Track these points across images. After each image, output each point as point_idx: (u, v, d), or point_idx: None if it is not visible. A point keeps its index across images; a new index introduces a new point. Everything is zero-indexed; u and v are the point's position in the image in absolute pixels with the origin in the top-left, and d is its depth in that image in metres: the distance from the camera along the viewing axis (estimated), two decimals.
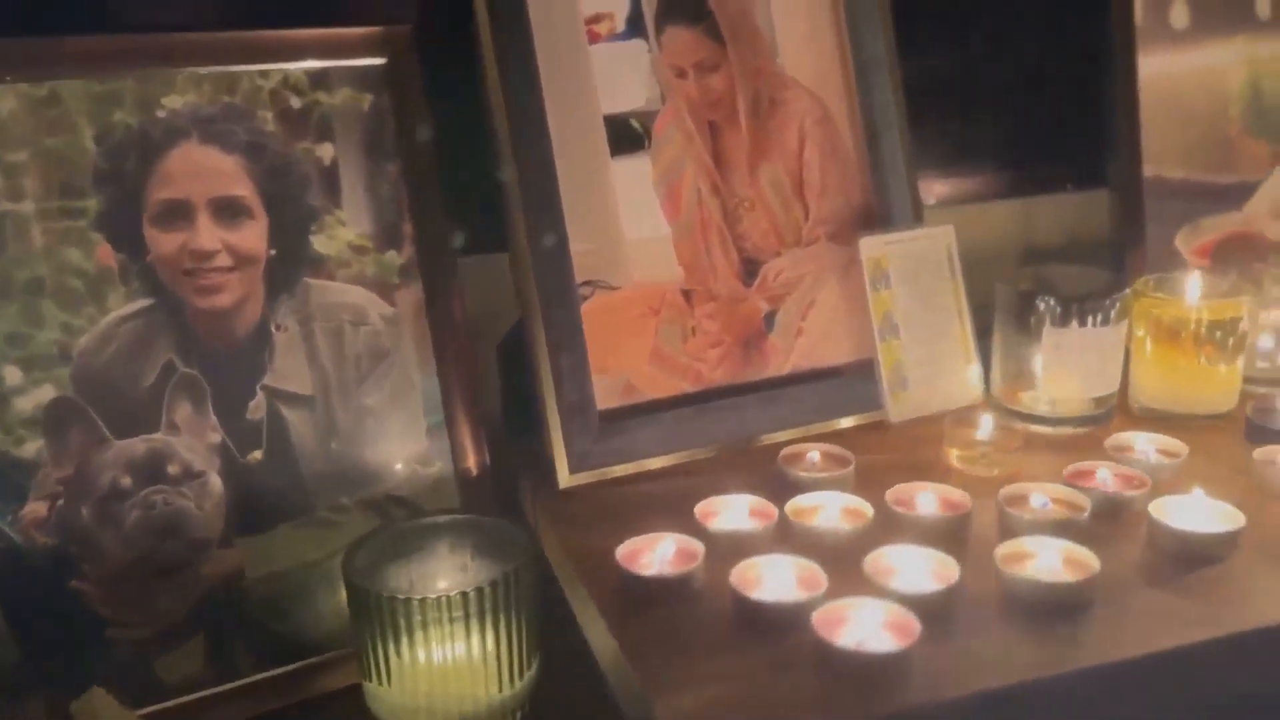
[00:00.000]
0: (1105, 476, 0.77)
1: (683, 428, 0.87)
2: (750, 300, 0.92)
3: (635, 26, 0.89)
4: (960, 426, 0.86)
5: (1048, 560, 0.66)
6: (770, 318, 0.92)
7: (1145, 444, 0.83)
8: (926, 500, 0.75)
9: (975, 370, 0.96)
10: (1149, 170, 1.05)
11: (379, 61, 0.86)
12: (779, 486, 0.80)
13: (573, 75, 0.86)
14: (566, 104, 0.85)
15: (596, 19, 0.87)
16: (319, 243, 0.84)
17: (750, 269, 0.92)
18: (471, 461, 0.88)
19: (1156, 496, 0.74)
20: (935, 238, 0.95)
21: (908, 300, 0.93)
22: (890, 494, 0.75)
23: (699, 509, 0.75)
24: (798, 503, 0.75)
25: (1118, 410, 0.93)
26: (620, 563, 0.68)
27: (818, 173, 0.94)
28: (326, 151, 0.85)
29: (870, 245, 0.92)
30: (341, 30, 0.86)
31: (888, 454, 0.88)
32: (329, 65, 0.85)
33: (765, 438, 0.89)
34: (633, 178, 0.88)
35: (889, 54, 0.95)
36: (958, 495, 0.75)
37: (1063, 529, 0.71)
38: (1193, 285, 0.92)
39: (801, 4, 0.94)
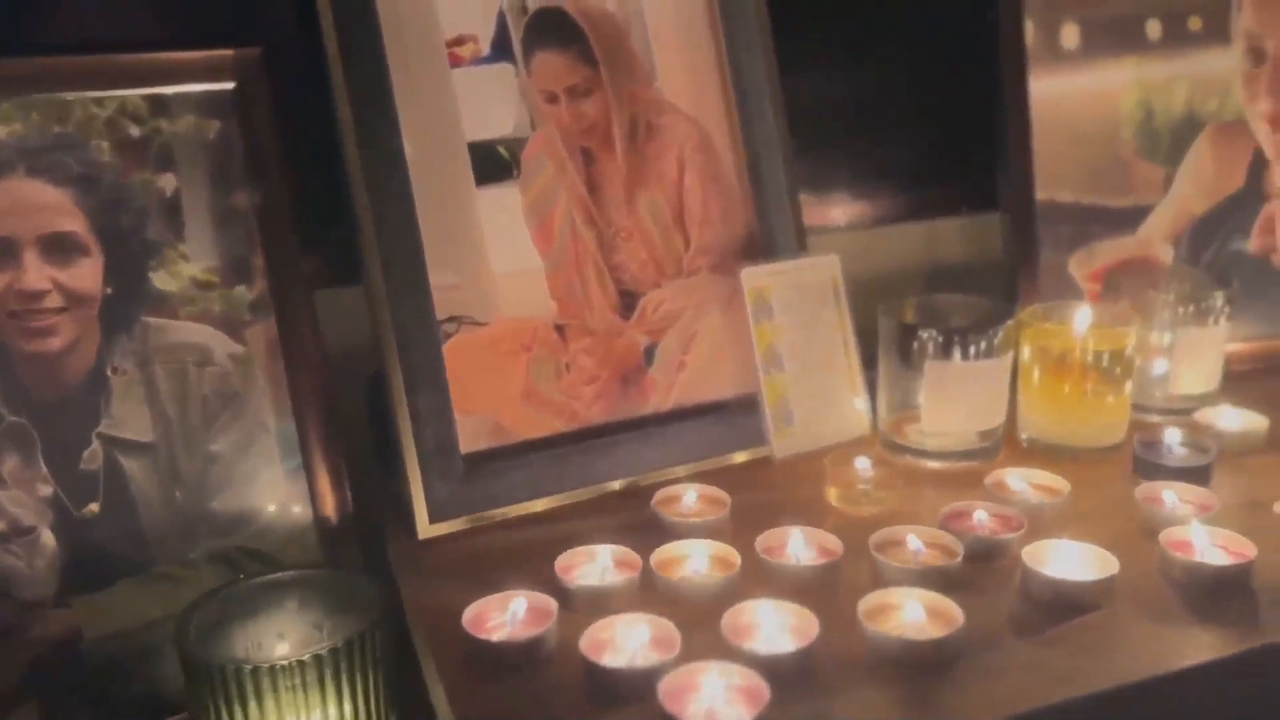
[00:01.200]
0: (982, 518, 0.75)
1: (556, 469, 0.83)
2: (629, 334, 0.88)
3: (502, 50, 0.85)
4: (841, 464, 0.83)
5: (912, 613, 0.63)
6: (650, 352, 0.89)
7: (1025, 482, 0.81)
8: (797, 547, 0.72)
9: (863, 403, 0.93)
10: (1042, 194, 1.04)
11: (226, 86, 0.81)
12: (652, 532, 0.76)
13: (433, 101, 0.82)
14: (426, 131, 0.81)
15: (459, 42, 0.83)
16: (159, 279, 0.79)
17: (628, 301, 0.88)
18: (331, 509, 0.83)
19: (1034, 538, 0.71)
20: (820, 267, 0.92)
21: (792, 332, 0.90)
22: (760, 540, 0.72)
23: (560, 562, 0.71)
24: (664, 552, 0.71)
25: (1006, 443, 0.91)
26: (465, 626, 0.64)
27: (699, 201, 0.91)
28: (168, 182, 0.80)
29: (752, 276, 0.89)
30: (185, 54, 0.81)
31: (770, 492, 0.85)
32: (171, 91, 0.80)
33: (646, 477, 0.85)
34: (501, 208, 0.84)
35: (770, 80, 0.92)
36: (831, 541, 0.72)
37: (934, 577, 0.68)
38: (1079, 315, 0.90)
39: (679, 29, 0.91)
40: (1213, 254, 1.06)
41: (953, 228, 1.19)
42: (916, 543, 0.72)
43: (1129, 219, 1.05)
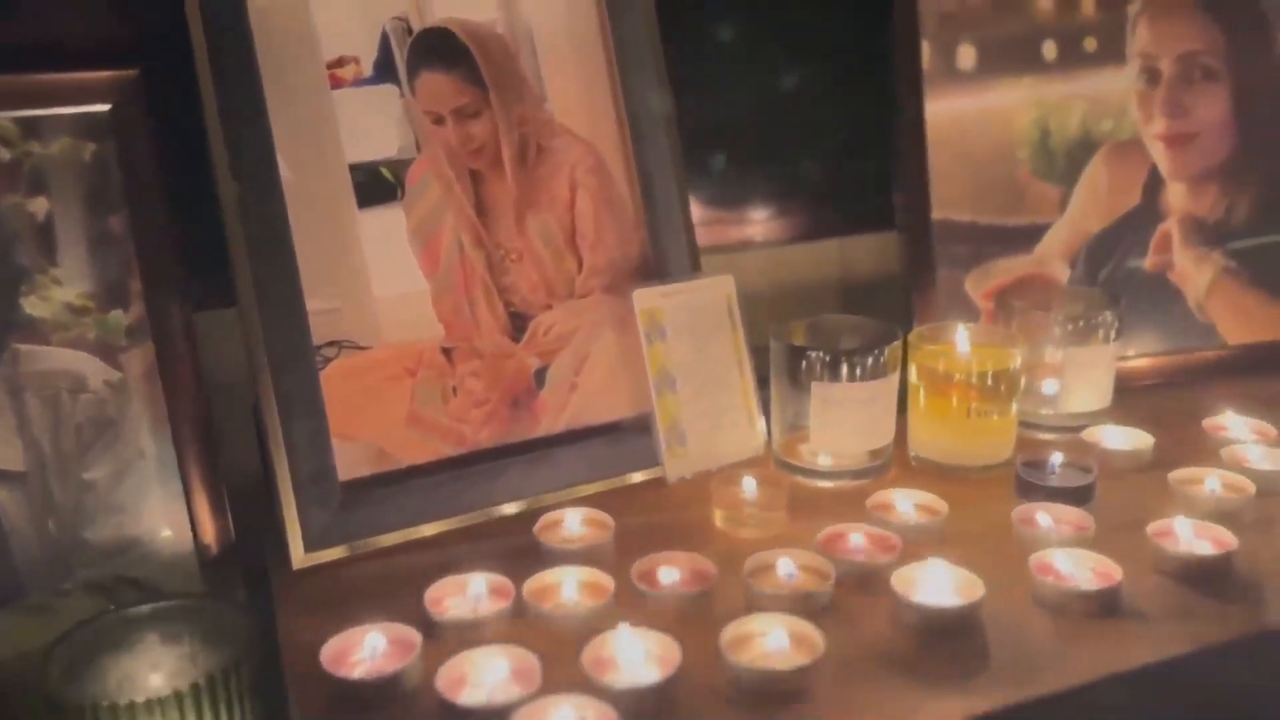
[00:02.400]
0: (858, 541, 0.75)
1: (443, 495, 0.82)
2: (519, 356, 0.87)
3: (385, 71, 0.84)
4: (726, 486, 0.83)
5: (775, 641, 0.64)
6: (541, 374, 0.88)
7: (906, 502, 0.81)
8: (672, 572, 0.72)
9: (758, 423, 0.93)
10: (937, 213, 1.05)
11: (102, 108, 0.80)
12: (534, 559, 0.76)
13: (312, 122, 0.81)
14: (304, 153, 0.80)
15: (340, 63, 0.82)
16: (31, 305, 0.77)
17: (519, 323, 0.88)
18: (212, 536, 0.82)
19: (910, 561, 0.72)
20: (714, 288, 0.93)
21: (686, 353, 0.90)
22: (636, 566, 0.72)
23: (431, 592, 0.70)
24: (537, 580, 0.71)
25: (897, 462, 0.92)
26: (324, 663, 0.63)
27: (591, 223, 0.91)
28: (40, 205, 0.78)
29: (644, 297, 0.89)
30: (58, 76, 0.79)
31: (659, 515, 0.85)
32: (44, 113, 0.78)
33: (538, 501, 0.85)
34: (384, 230, 0.83)
35: (662, 101, 0.92)
36: (708, 566, 0.72)
37: (805, 602, 0.68)
38: (962, 335, 0.91)
39: (570, 51, 0.91)
40: (1109, 272, 1.08)
41: (864, 245, 1.20)
42: (789, 567, 0.72)
43: (1025, 238, 1.07)
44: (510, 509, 0.84)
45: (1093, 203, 1.08)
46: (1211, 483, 0.82)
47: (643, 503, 0.86)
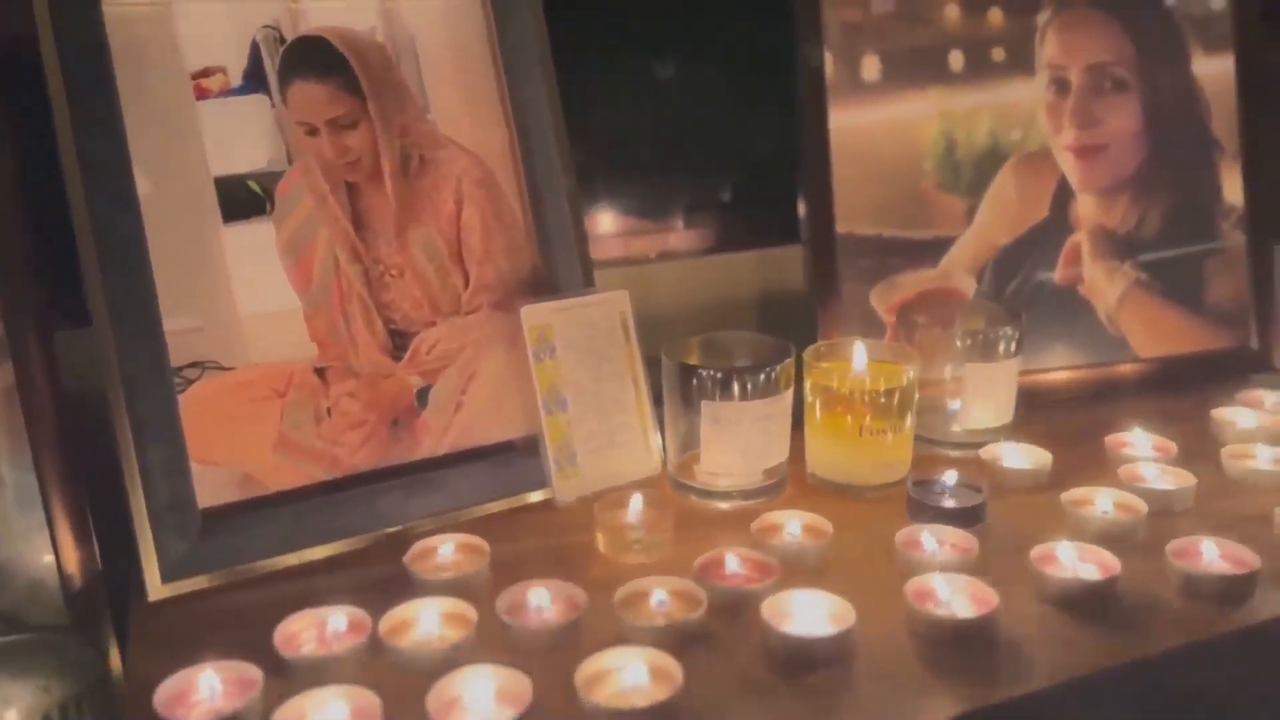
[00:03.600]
0: (735, 566, 0.73)
1: (314, 521, 0.79)
2: (399, 376, 0.84)
3: (255, 81, 0.81)
4: (610, 509, 0.80)
5: (633, 676, 0.61)
6: (424, 394, 0.85)
7: (794, 524, 0.79)
8: (541, 603, 0.69)
9: (654, 441, 0.91)
10: (842, 226, 1.03)
11: None
12: (404, 588, 0.73)
13: (174, 135, 0.77)
14: (165, 167, 0.77)
15: (206, 73, 0.79)
16: None
17: (400, 341, 0.85)
18: (76, 565, 0.78)
19: (787, 586, 0.70)
20: (608, 303, 0.90)
21: (577, 370, 0.88)
22: (504, 597, 0.69)
23: (286, 627, 0.67)
24: (397, 614, 0.68)
25: (795, 481, 0.90)
26: (157, 704, 0.60)
27: (479, 236, 0.88)
28: None
29: (533, 313, 0.86)
30: None
31: (542, 540, 0.82)
32: None
33: (421, 526, 0.82)
34: (252, 245, 0.80)
35: (552, 113, 0.90)
36: (578, 595, 0.70)
37: (674, 633, 0.66)
38: (858, 351, 0.89)
39: (455, 60, 0.88)
40: (1017, 285, 1.07)
41: (784, 257, 1.18)
42: (661, 595, 0.69)
43: (931, 251, 1.05)
44: (386, 536, 0.81)
45: (1000, 215, 1.06)
46: (1103, 503, 0.81)
47: (529, 527, 0.84)
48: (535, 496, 0.86)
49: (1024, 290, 1.07)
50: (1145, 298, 1.09)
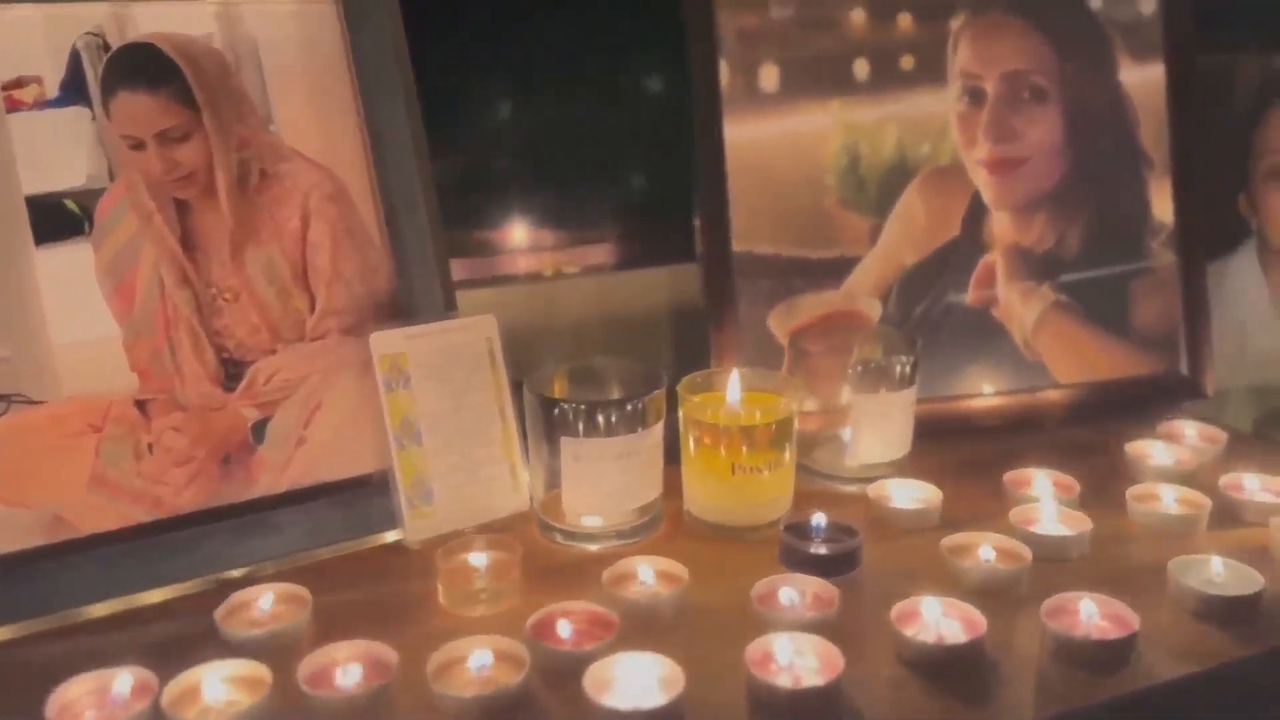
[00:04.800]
0: (567, 625, 0.67)
1: (129, 567, 0.73)
2: (232, 408, 0.79)
3: (74, 92, 0.75)
4: (452, 555, 0.74)
5: None
6: (261, 427, 0.79)
7: (649, 571, 0.73)
8: (346, 668, 0.63)
9: (523, 476, 0.85)
10: (739, 245, 0.97)
11: None
12: (213, 645, 0.67)
13: None
14: None
15: (19, 84, 0.73)
16: None
17: (233, 371, 0.79)
18: None
19: (627, 646, 0.64)
20: (472, 329, 0.84)
21: (435, 401, 0.82)
22: (308, 662, 0.63)
23: (68, 689, 0.61)
24: (187, 678, 0.62)
25: (672, 520, 0.84)
26: None
27: (328, 256, 0.82)
28: None
29: (383, 341, 0.80)
30: None
31: (385, 587, 0.76)
32: None
33: (261, 569, 0.76)
34: (67, 269, 0.74)
35: (412, 125, 0.84)
36: (388, 656, 0.64)
37: (489, 704, 0.60)
38: (734, 383, 0.83)
39: (303, 68, 0.82)
40: (925, 308, 1.00)
41: (691, 274, 1.13)
42: (482, 659, 0.63)
43: (833, 271, 0.99)
44: (217, 582, 0.75)
45: (907, 234, 1.00)
46: (985, 550, 0.75)
47: (375, 572, 0.78)
48: (380, 539, 0.81)
49: (933, 313, 1.00)
50: (1065, 321, 1.03)
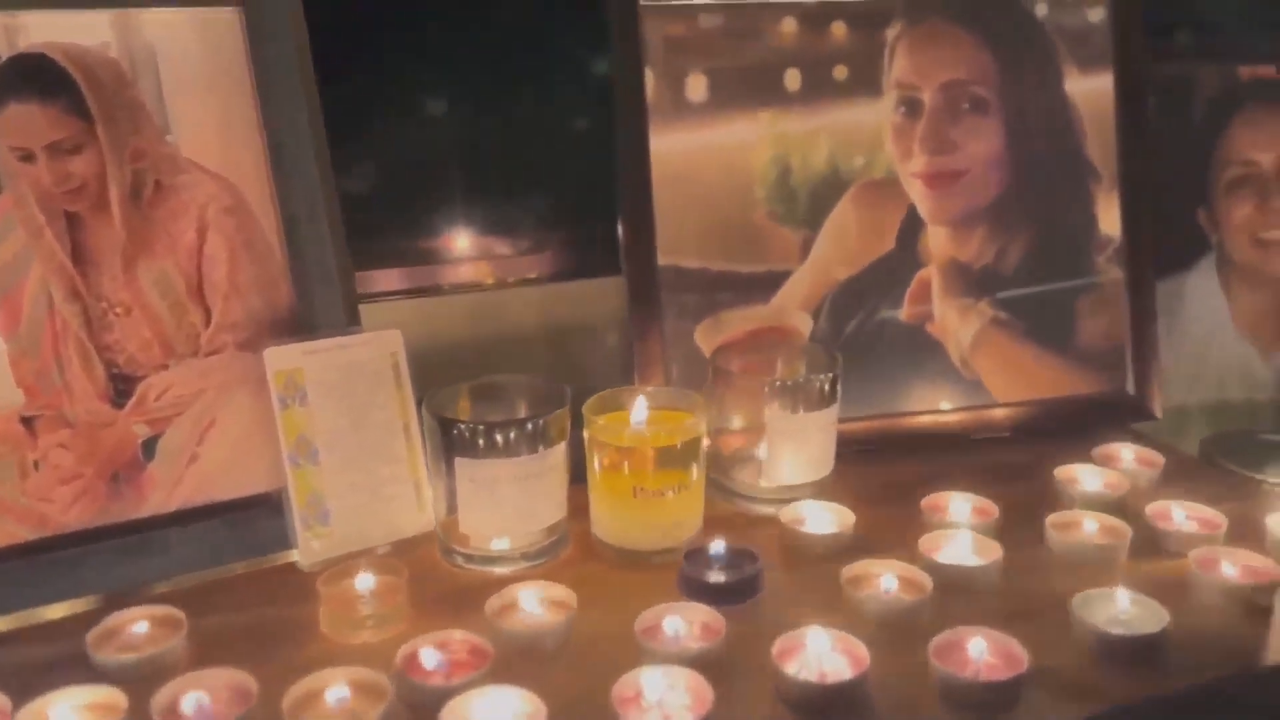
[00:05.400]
0: (436, 657, 0.65)
1: (13, 586, 0.72)
2: (121, 424, 0.77)
3: None
4: (335, 580, 0.72)
5: None
6: (151, 444, 0.78)
7: (533, 599, 0.71)
8: (200, 699, 0.61)
9: (428, 495, 0.83)
10: (664, 258, 0.94)
11: None
12: (83, 671, 0.65)
13: None
14: None
15: None
16: None
17: (123, 387, 0.77)
18: None
19: (496, 680, 0.61)
20: (375, 344, 0.82)
21: (334, 418, 0.80)
22: (164, 691, 0.61)
23: None
24: (39, 705, 0.60)
25: (581, 542, 0.82)
26: None
27: (225, 270, 0.80)
28: None
29: (279, 357, 0.78)
30: None
31: (271, 610, 0.74)
32: None
33: (150, 589, 0.75)
34: None
35: (314, 135, 0.82)
36: (248, 686, 0.62)
37: None
38: (639, 403, 0.81)
39: (203, 78, 0.81)
40: (858, 324, 0.98)
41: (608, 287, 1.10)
42: (340, 692, 0.61)
43: (762, 286, 0.96)
44: (94, 602, 0.73)
45: (840, 248, 0.97)
46: (887, 580, 0.72)
47: (263, 594, 0.76)
48: (273, 560, 0.79)
49: (865, 329, 0.98)
50: (1004, 338, 1.00)
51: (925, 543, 0.77)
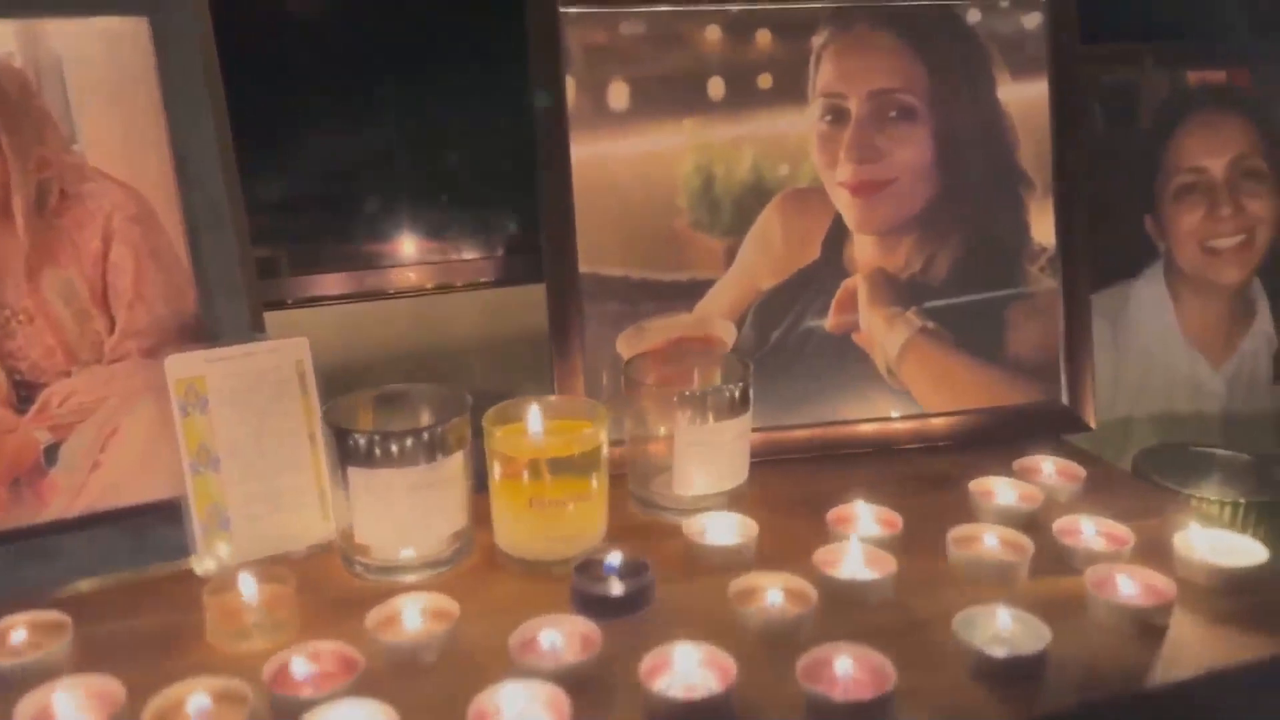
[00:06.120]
0: (306, 668, 0.65)
1: None
2: (23, 431, 0.78)
3: None
4: (221, 589, 0.72)
5: None
6: (54, 450, 0.78)
7: (414, 610, 0.71)
8: (65, 709, 0.61)
9: (330, 505, 0.83)
10: (585, 266, 0.94)
11: None
12: None
13: None
14: None
15: None
16: None
17: (26, 394, 0.78)
18: None
19: (358, 693, 0.61)
20: (280, 352, 0.82)
21: (236, 426, 0.80)
22: (32, 699, 0.62)
23: None
24: None
25: (486, 553, 0.82)
26: None
27: (130, 278, 0.81)
28: None
29: (180, 364, 0.79)
30: None
31: (160, 618, 0.74)
32: None
33: (38, 596, 0.75)
34: None
35: (221, 144, 0.83)
36: (117, 696, 0.62)
37: None
38: (534, 413, 0.81)
39: (109, 87, 0.81)
40: (782, 333, 0.97)
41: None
42: (200, 702, 0.61)
43: (685, 295, 0.96)
44: None
45: (764, 257, 0.97)
46: (773, 595, 0.71)
47: (159, 602, 0.76)
48: (172, 567, 0.79)
49: (790, 338, 0.97)
50: (932, 348, 0.99)
51: (821, 556, 0.76)
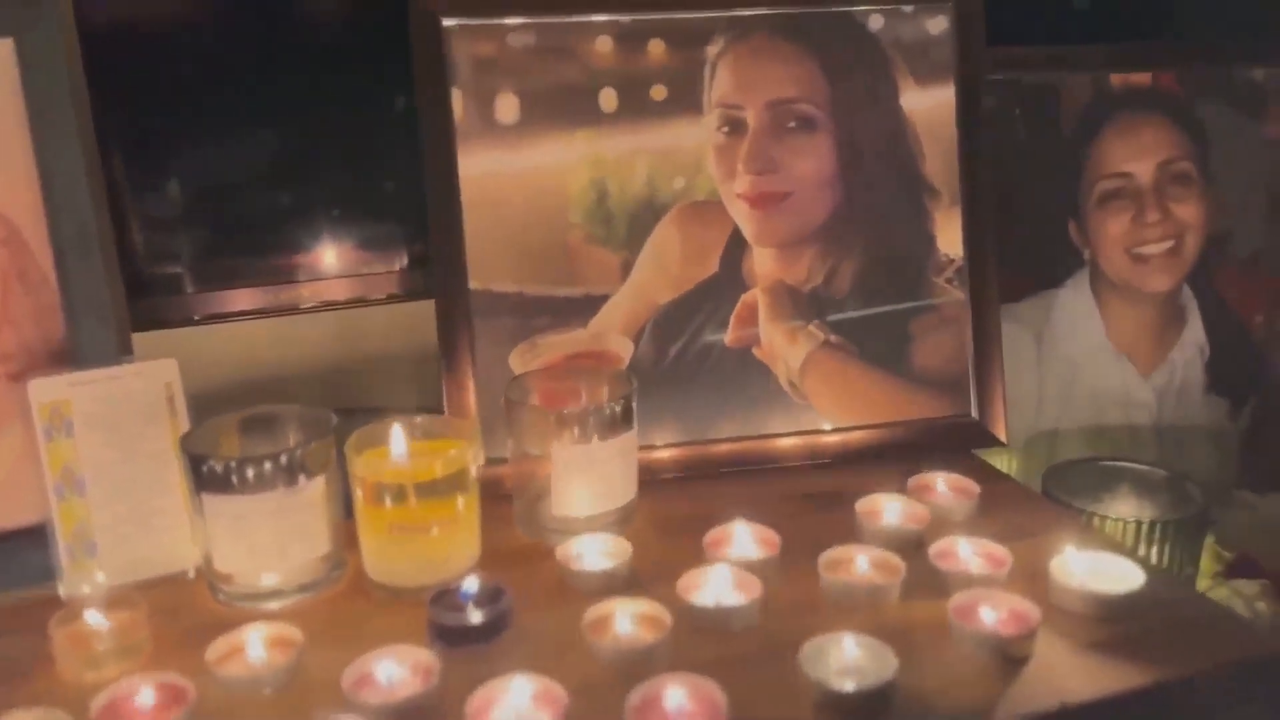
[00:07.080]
0: (144, 697, 0.63)
1: None
2: None
3: None
4: (69, 617, 0.71)
5: None
6: None
7: (258, 640, 0.69)
8: None
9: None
10: (476, 282, 0.93)
11: None
12: None
13: None
14: None
15: None
16: None
17: None
18: None
19: None
20: (147, 374, 0.81)
21: (102, 450, 0.79)
22: None
23: None
24: None
25: (358, 579, 0.80)
26: None
27: None
28: None
29: (44, 388, 0.78)
30: None
31: (15, 644, 0.73)
32: None
33: None
34: None
35: (88, 165, 0.82)
36: None
37: None
38: (397, 435, 0.79)
39: None
40: (681, 348, 0.95)
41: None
42: None
43: (580, 310, 0.94)
44: None
45: (661, 271, 0.95)
46: (623, 623, 0.70)
47: (17, 627, 0.74)
48: (42, 592, 0.78)
49: (689, 353, 0.95)
50: (836, 361, 0.97)
51: (686, 581, 0.74)
